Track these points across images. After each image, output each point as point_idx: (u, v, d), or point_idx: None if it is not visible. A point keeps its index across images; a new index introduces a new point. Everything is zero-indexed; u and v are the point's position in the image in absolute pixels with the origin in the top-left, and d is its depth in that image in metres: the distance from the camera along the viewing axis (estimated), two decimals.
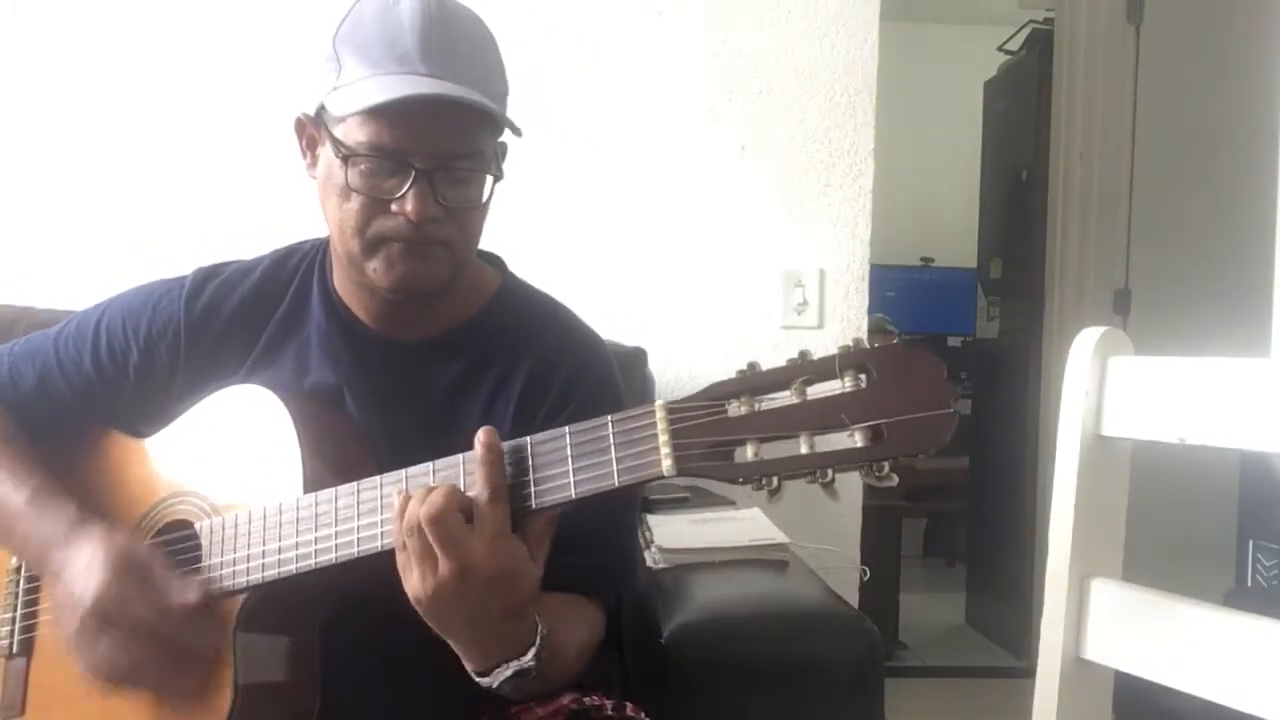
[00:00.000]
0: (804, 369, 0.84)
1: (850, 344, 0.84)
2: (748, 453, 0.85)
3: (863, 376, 0.83)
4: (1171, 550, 2.90)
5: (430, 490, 0.94)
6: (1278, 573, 2.53)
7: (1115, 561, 1.01)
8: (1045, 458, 3.69)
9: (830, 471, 0.84)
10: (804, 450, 0.84)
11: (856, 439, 0.82)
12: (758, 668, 1.33)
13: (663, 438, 0.87)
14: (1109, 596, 0.98)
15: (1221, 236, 3.44)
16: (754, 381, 0.86)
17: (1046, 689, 1.01)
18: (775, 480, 0.85)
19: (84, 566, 1.08)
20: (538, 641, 0.99)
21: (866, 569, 2.19)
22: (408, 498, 0.95)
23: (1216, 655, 0.88)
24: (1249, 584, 2.61)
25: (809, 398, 0.84)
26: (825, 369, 0.83)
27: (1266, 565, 2.56)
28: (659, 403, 0.88)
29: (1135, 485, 1.02)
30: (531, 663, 0.99)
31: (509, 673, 0.99)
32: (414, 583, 0.95)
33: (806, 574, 1.64)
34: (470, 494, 0.94)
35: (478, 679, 1.00)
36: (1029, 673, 1.05)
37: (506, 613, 0.96)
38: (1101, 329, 1.00)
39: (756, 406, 0.85)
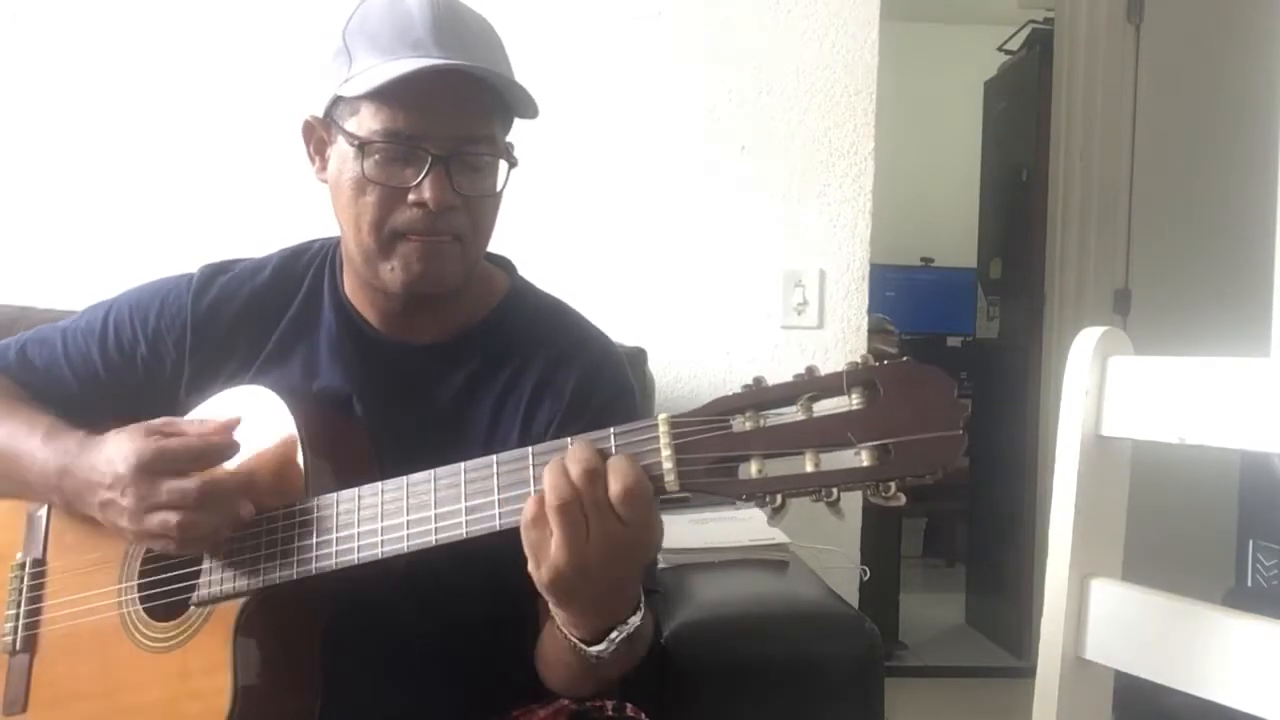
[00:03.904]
0: (811, 385, 0.83)
1: (859, 360, 0.83)
2: (751, 469, 0.84)
3: (871, 394, 0.81)
4: (1171, 550, 2.90)
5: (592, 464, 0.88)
6: (1278, 573, 2.53)
7: (1115, 561, 1.01)
8: (1045, 458, 3.69)
9: (835, 490, 0.83)
10: (809, 468, 0.82)
11: (863, 458, 0.81)
12: (758, 668, 1.33)
13: (665, 451, 0.86)
14: (1109, 596, 0.98)
15: (1221, 236, 3.44)
16: (760, 397, 0.84)
17: (1046, 689, 1.01)
18: (779, 498, 0.84)
19: (111, 449, 1.07)
20: (640, 597, 0.98)
21: (866, 569, 2.19)
22: (563, 471, 0.88)
23: (1216, 655, 0.89)
24: (1249, 584, 2.60)
25: (815, 414, 0.82)
26: (833, 385, 0.82)
27: (1266, 565, 2.55)
28: (662, 416, 0.87)
29: (1135, 485, 1.02)
30: (638, 622, 0.97)
31: (621, 636, 0.96)
32: (561, 555, 0.88)
33: (806, 574, 1.64)
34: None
35: (588, 648, 0.98)
36: (1029, 673, 1.05)
37: (641, 564, 0.95)
38: (1101, 329, 1.00)
39: (762, 422, 0.84)
